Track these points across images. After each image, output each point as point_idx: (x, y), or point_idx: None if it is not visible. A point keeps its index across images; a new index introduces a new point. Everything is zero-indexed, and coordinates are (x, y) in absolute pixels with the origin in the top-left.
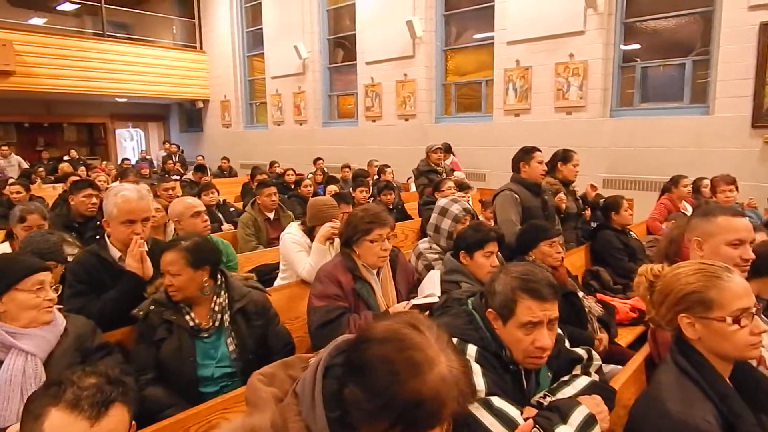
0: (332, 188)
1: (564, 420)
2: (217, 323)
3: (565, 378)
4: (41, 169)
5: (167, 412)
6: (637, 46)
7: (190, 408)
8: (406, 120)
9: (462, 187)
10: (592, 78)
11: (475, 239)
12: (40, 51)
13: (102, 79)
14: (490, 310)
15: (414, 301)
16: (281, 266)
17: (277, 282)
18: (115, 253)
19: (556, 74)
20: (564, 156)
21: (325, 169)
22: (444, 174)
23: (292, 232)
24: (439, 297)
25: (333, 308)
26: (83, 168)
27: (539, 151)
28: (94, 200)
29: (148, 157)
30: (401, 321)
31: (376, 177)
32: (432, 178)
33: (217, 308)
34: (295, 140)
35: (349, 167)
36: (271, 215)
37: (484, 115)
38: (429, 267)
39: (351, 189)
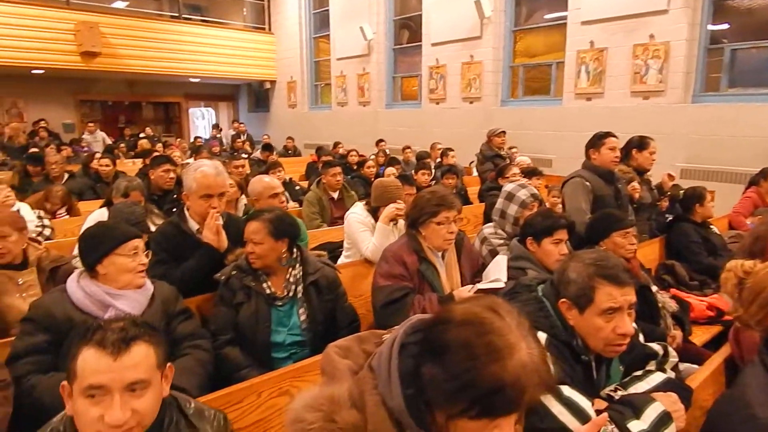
0: (391, 170)
1: (637, 415)
2: (291, 293)
3: (638, 373)
4: (123, 144)
5: (242, 373)
6: (725, 26)
7: (264, 372)
8: (471, 103)
9: (531, 173)
10: (674, 61)
11: (543, 226)
12: (123, 33)
13: (178, 60)
14: (563, 300)
15: (479, 286)
16: (345, 245)
17: (341, 260)
18: (194, 226)
19: (633, 56)
20: (640, 143)
21: (387, 150)
22: (508, 159)
23: (357, 212)
24: (505, 283)
25: (398, 288)
26: (160, 145)
27: (614, 137)
28: (172, 175)
29: (218, 135)
30: (481, 305)
31: (438, 160)
32: (497, 163)
33: (291, 279)
34: (358, 122)
35: (410, 149)
36: (336, 195)
37: (553, 99)
38: (494, 252)
39: (413, 171)
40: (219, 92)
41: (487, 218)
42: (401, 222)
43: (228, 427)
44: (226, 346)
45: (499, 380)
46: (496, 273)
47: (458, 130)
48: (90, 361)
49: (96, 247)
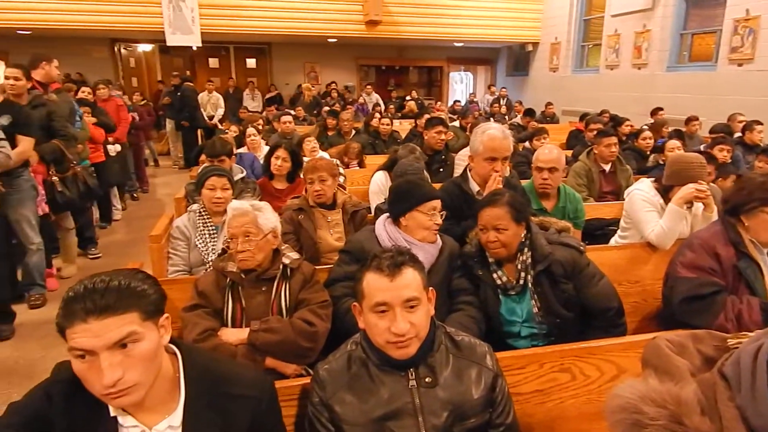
0: (674, 143)
1: None
2: (522, 282)
3: None
4: (391, 106)
5: None
6: None
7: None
8: None
9: None
10: None
11: None
12: (400, 1)
13: (444, 25)
14: None
15: None
16: (623, 224)
17: (615, 240)
18: (474, 187)
19: None
20: None
21: (666, 121)
22: None
23: (643, 188)
24: None
25: (707, 282)
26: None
27: None
28: (443, 136)
29: (475, 99)
30: None
31: (738, 135)
32: None
33: (520, 266)
34: (629, 86)
35: (696, 120)
36: (607, 167)
37: None
38: None
39: (701, 147)
40: (479, 56)
41: None
42: (697, 206)
43: (497, 364)
44: None
45: None
46: None
47: (765, 99)
48: (373, 283)
49: (402, 201)
